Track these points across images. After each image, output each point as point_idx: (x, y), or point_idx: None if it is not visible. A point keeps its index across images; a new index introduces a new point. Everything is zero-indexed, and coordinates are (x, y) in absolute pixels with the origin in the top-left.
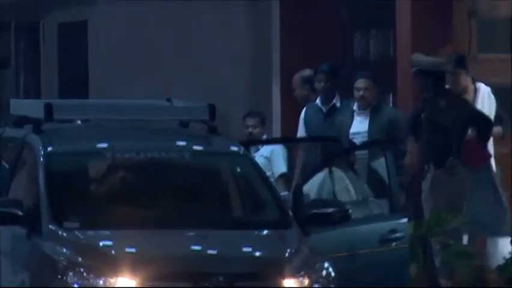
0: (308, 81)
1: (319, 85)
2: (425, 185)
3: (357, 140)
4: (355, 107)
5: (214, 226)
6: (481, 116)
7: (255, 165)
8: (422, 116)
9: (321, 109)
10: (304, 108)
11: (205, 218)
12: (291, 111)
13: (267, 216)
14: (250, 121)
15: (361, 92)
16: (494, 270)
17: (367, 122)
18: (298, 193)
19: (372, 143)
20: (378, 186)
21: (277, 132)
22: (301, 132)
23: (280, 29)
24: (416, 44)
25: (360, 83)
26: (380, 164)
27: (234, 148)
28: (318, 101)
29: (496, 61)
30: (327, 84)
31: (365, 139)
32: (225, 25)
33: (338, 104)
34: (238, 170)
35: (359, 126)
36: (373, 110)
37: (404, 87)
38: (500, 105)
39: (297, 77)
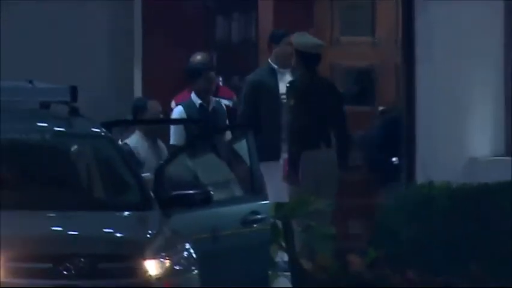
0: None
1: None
2: (302, 166)
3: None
4: (276, 66)
5: (75, 207)
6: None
7: (117, 147)
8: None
9: (203, 105)
10: (182, 108)
11: (67, 200)
12: (153, 97)
13: (129, 198)
14: None
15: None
16: (356, 253)
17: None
18: (160, 175)
19: (234, 126)
20: (239, 168)
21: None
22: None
23: (142, 13)
24: (278, 27)
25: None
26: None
27: (96, 130)
28: (194, 97)
29: (357, 44)
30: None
31: None
32: (83, 10)
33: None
34: (100, 151)
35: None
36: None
37: None
38: (362, 87)
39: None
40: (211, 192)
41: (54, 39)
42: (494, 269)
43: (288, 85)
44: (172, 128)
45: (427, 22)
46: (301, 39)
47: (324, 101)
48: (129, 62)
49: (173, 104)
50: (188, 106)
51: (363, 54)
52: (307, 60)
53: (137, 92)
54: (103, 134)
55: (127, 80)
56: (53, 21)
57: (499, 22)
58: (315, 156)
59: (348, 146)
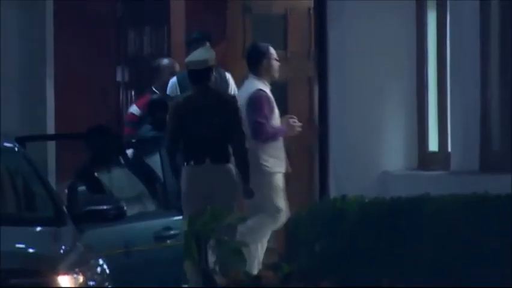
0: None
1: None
2: (183, 181)
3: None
4: (266, 81)
5: None
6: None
7: (30, 161)
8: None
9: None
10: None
11: None
12: (65, 110)
13: (42, 213)
14: None
15: (279, 62)
16: (269, 268)
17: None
18: (73, 190)
19: (148, 140)
20: (152, 183)
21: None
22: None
23: (54, 26)
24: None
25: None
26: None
27: (8, 144)
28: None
29: None
30: None
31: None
32: None
33: None
34: (12, 166)
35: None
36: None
37: None
38: (276, 100)
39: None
40: (124, 208)
41: None
42: (405, 282)
43: (172, 103)
44: None
45: (339, 35)
46: (190, 57)
47: (217, 117)
48: (41, 76)
49: (134, 107)
50: (183, 77)
51: None
52: (194, 76)
53: (50, 106)
54: (16, 149)
55: (39, 96)
56: None
57: (412, 36)
58: (196, 171)
59: (247, 160)
